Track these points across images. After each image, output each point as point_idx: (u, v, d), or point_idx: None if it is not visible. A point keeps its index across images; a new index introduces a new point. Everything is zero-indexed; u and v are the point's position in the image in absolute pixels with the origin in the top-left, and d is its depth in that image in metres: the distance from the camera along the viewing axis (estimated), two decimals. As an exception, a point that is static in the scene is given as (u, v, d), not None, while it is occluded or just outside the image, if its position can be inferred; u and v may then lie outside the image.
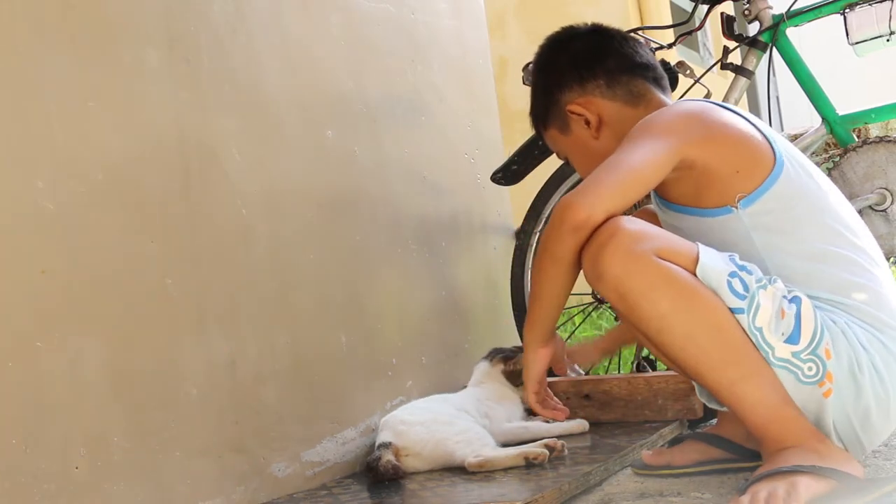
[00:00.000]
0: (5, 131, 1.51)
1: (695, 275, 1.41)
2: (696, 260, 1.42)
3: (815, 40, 2.90)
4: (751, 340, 1.41)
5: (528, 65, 2.46)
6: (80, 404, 1.54)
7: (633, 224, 1.44)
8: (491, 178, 2.62)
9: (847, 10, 2.30)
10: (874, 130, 2.91)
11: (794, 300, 1.43)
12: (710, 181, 1.53)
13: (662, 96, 1.71)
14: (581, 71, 1.70)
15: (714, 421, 2.01)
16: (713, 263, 1.42)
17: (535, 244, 2.58)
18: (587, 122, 1.69)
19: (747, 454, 1.69)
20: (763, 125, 1.60)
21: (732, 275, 1.42)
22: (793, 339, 1.40)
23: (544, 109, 1.77)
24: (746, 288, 1.41)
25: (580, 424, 2.11)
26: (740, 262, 1.45)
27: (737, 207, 1.50)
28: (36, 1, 1.59)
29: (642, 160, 1.50)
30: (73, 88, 1.62)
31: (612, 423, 2.15)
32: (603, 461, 1.78)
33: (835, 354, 1.41)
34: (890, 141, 2.24)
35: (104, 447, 1.56)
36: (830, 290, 1.47)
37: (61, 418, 1.51)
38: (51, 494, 1.47)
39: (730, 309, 1.41)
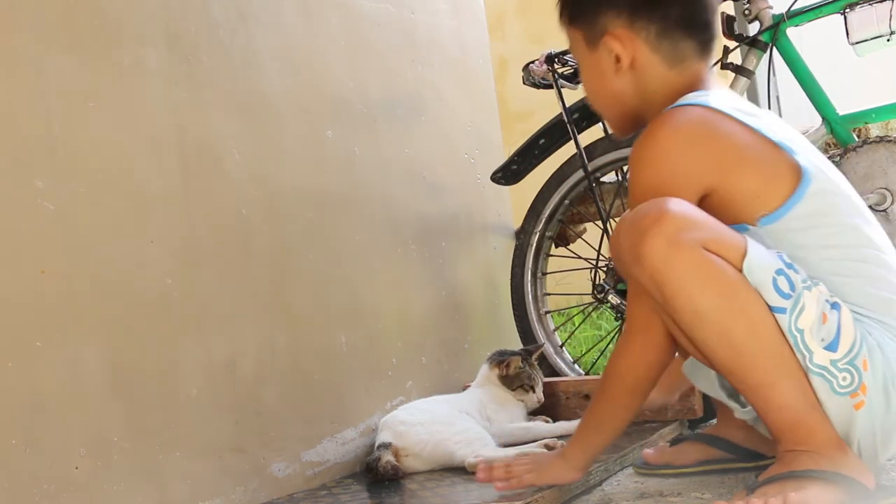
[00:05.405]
0: (5, 131, 1.51)
1: (740, 269, 1.35)
2: (745, 254, 1.35)
3: (815, 40, 2.90)
4: (787, 343, 1.35)
5: (528, 65, 2.46)
6: (80, 404, 1.55)
7: (682, 207, 1.35)
8: (491, 178, 2.62)
9: (847, 10, 2.29)
10: (874, 130, 2.90)
11: (836, 306, 1.37)
12: (729, 203, 1.44)
13: (701, 66, 1.55)
14: (638, 5, 1.52)
15: (714, 421, 2.01)
16: (761, 259, 1.36)
17: (534, 244, 2.58)
18: (617, 58, 1.53)
19: (747, 454, 1.69)
20: (785, 132, 1.48)
21: (779, 272, 1.35)
22: (832, 346, 1.35)
23: (580, 9, 1.58)
24: (793, 287, 1.35)
25: (581, 424, 2.10)
26: (787, 260, 1.38)
27: (755, 225, 1.42)
28: (36, 1, 1.59)
29: None
30: (73, 88, 1.62)
31: (612, 423, 2.15)
32: (603, 461, 1.78)
33: (871, 366, 1.36)
34: (890, 141, 2.23)
35: (104, 447, 1.56)
36: (860, 304, 1.41)
37: (61, 418, 1.51)
38: (51, 494, 1.47)
39: (771, 308, 1.34)
